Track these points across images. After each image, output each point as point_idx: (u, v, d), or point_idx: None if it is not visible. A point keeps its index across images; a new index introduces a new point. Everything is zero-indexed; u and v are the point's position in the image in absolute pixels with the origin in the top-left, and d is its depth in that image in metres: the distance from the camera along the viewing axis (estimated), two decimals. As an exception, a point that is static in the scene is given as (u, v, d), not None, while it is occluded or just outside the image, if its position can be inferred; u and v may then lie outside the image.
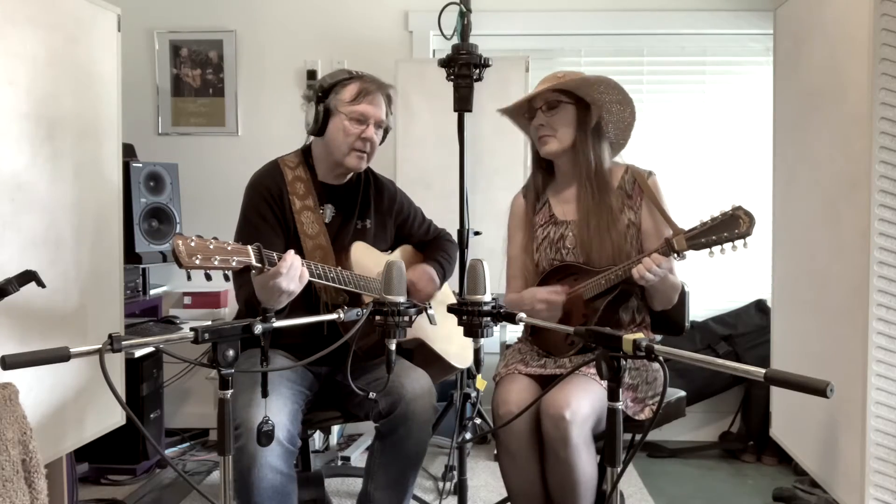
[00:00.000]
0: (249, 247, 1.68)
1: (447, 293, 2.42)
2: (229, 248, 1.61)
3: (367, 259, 2.13)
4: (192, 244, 1.52)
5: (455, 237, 2.53)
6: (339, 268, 2.02)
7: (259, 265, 1.69)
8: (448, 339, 2.24)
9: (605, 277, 1.96)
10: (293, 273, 1.75)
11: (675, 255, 1.84)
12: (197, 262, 1.52)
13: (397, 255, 2.31)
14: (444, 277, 2.29)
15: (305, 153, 2.19)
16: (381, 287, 1.58)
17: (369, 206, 2.24)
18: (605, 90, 2.05)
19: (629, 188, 2.08)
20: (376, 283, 2.07)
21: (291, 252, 1.77)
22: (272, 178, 2.12)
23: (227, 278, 1.77)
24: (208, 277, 1.66)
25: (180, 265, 1.51)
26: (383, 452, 2.03)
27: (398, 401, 1.97)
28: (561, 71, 2.14)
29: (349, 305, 1.75)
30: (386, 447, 2.02)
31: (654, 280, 1.86)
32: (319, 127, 2.09)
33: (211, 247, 1.56)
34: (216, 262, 1.56)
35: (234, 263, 1.61)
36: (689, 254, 1.84)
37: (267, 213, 2.08)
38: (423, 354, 2.20)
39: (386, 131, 2.19)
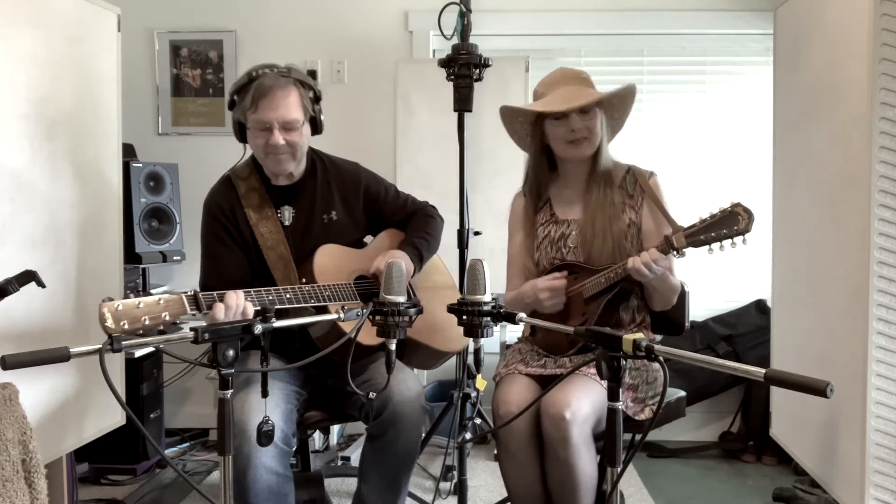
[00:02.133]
0: (183, 296, 1.66)
1: (436, 267, 2.35)
2: (161, 303, 1.58)
3: (336, 261, 2.08)
4: (119, 308, 1.49)
5: (454, 237, 2.52)
6: (303, 280, 1.98)
7: (195, 312, 1.67)
8: (435, 325, 2.18)
9: (604, 276, 1.96)
10: (230, 314, 1.72)
11: (675, 252, 1.84)
12: (125, 327, 1.49)
13: (377, 243, 2.24)
14: (422, 260, 2.18)
15: (255, 160, 2.12)
16: (381, 287, 1.58)
17: (331, 195, 2.15)
18: (623, 98, 2.06)
19: (630, 188, 2.09)
20: (346, 289, 2.03)
21: (231, 294, 1.74)
22: (224, 195, 2.09)
23: (162, 332, 1.71)
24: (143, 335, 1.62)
25: (109, 335, 1.43)
26: (374, 454, 2.03)
27: (386, 403, 1.95)
28: (576, 69, 2.12)
29: (317, 313, 1.74)
30: (377, 449, 2.01)
31: (649, 276, 1.86)
32: (241, 139, 2.05)
33: (140, 306, 1.52)
34: (146, 322, 1.53)
35: (166, 318, 1.59)
36: (689, 252, 1.84)
37: (222, 233, 2.05)
38: (412, 345, 2.17)
39: (315, 124, 2.06)
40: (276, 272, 2.03)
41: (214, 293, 1.73)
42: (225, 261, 2.02)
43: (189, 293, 1.67)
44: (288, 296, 1.88)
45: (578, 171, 2.12)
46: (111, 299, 1.49)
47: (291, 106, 1.97)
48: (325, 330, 1.94)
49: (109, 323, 1.47)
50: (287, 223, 2.09)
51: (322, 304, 1.95)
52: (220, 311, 1.71)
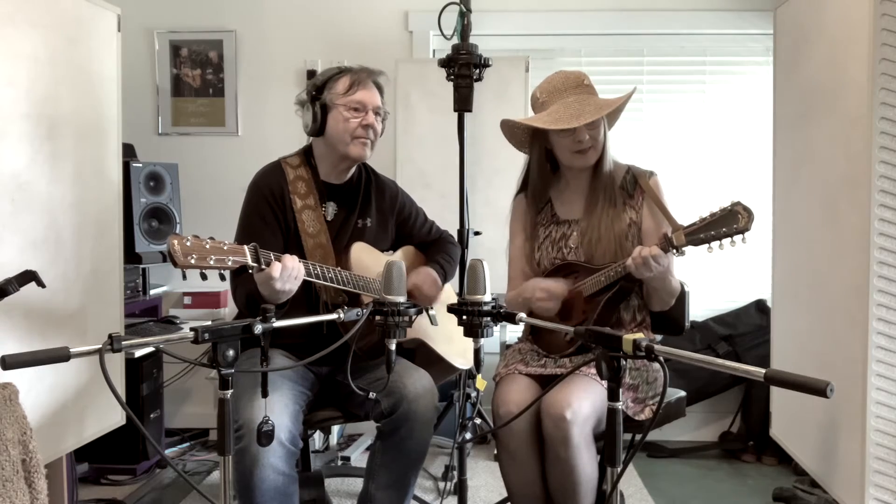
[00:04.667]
0: (246, 247, 1.68)
1: (448, 293, 2.42)
2: (226, 248, 1.61)
3: (367, 259, 2.13)
4: (188, 244, 1.53)
5: (455, 237, 2.53)
6: (339, 268, 2.02)
7: (255, 265, 1.70)
8: (449, 339, 2.24)
9: (604, 274, 1.96)
10: (286, 275, 1.76)
11: (675, 250, 1.84)
12: (192, 261, 1.53)
13: (398, 256, 2.31)
14: (445, 279, 2.28)
15: (307, 153, 2.20)
16: (381, 287, 1.58)
17: (370, 204, 2.24)
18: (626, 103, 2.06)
19: (630, 188, 2.09)
20: (376, 284, 2.07)
21: (288, 257, 1.78)
22: (274, 177, 2.13)
23: (222, 277, 1.78)
24: (203, 277, 1.67)
25: (175, 265, 1.52)
26: (385, 452, 2.03)
27: (400, 401, 1.97)
28: (569, 70, 2.11)
29: (349, 305, 1.75)
30: (387, 447, 2.02)
31: (647, 274, 1.86)
32: (319, 126, 2.10)
33: (207, 246, 1.56)
34: (212, 262, 1.57)
35: (229, 263, 1.62)
36: (690, 251, 1.84)
37: (267, 213, 2.08)
38: (424, 355, 2.20)
39: (384, 118, 2.20)
40: (311, 259, 2.05)
41: (272, 253, 1.75)
42: (264, 239, 2.03)
43: (251, 246, 1.70)
44: (330, 275, 1.94)
45: (581, 174, 2.11)
46: (178, 235, 1.54)
47: (378, 97, 2.16)
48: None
49: (179, 255, 1.50)
50: (329, 218, 2.15)
51: (356, 291, 2.02)
52: (276, 270, 1.73)
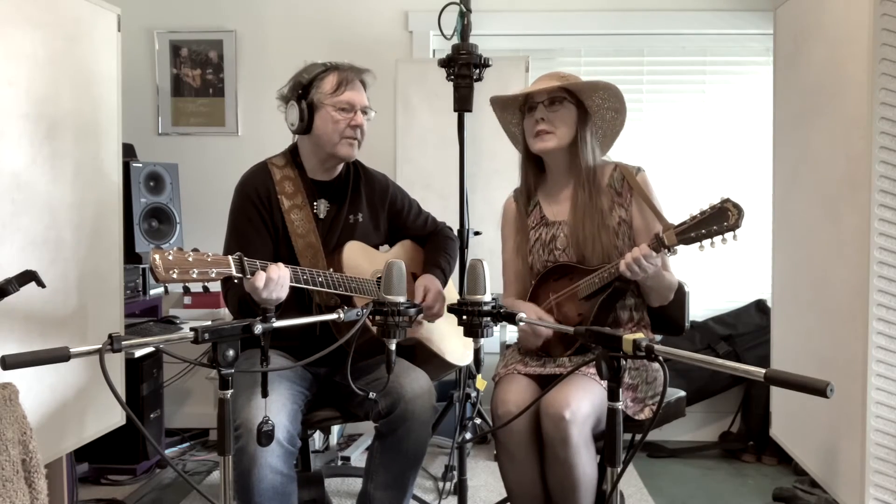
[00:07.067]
0: (230, 257, 1.67)
1: (448, 289, 2.42)
2: (209, 260, 1.60)
3: (360, 259, 2.12)
4: (170, 258, 1.52)
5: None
6: (331, 269, 2.01)
7: (240, 275, 1.69)
8: (446, 336, 2.24)
9: (598, 276, 1.96)
10: (272, 285, 1.74)
11: (666, 250, 1.83)
12: (174, 275, 1.52)
13: (396, 252, 2.31)
14: (446, 282, 2.27)
15: (293, 152, 2.19)
16: (381, 287, 1.58)
17: (360, 199, 2.23)
18: (607, 97, 2.05)
19: (618, 186, 2.08)
20: (370, 285, 2.07)
21: (273, 266, 1.76)
22: (260, 178, 2.12)
23: (205, 289, 1.77)
24: (186, 290, 1.66)
25: (157, 280, 1.52)
26: (383, 452, 2.03)
27: (398, 401, 1.97)
28: (561, 71, 2.14)
29: (343, 306, 1.75)
30: (386, 447, 2.02)
31: (640, 275, 1.86)
32: (306, 125, 2.08)
33: (190, 259, 1.55)
34: (194, 275, 1.56)
35: (213, 275, 1.61)
36: (684, 250, 1.83)
37: (254, 215, 2.07)
38: (421, 352, 2.20)
39: (369, 118, 2.18)
40: (303, 260, 2.05)
41: (258, 262, 1.75)
42: (252, 242, 2.04)
43: (235, 256, 1.69)
44: (320, 279, 1.93)
45: (561, 170, 2.12)
46: (161, 249, 1.53)
47: (365, 95, 2.15)
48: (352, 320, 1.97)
49: (160, 270, 1.50)
50: (322, 216, 2.15)
51: (348, 294, 2.01)
52: (259, 280, 1.72)
